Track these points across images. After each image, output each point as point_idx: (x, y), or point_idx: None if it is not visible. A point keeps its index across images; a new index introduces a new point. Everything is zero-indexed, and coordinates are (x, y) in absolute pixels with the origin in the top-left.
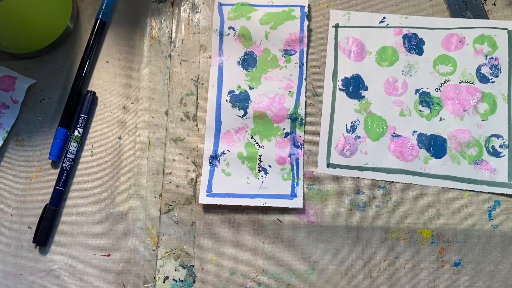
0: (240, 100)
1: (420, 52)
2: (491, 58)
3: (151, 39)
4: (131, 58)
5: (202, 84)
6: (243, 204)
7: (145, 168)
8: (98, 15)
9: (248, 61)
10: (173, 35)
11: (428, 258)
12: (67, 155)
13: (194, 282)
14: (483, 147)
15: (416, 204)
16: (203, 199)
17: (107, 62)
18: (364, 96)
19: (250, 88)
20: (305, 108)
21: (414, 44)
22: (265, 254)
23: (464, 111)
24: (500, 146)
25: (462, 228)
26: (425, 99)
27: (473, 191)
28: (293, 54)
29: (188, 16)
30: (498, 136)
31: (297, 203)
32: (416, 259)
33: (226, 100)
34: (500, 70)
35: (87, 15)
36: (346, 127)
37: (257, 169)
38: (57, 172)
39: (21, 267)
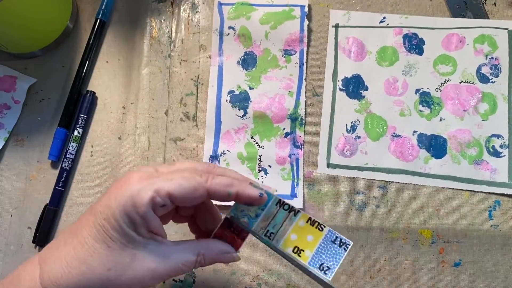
0: (240, 100)
1: (420, 52)
2: (491, 58)
3: (151, 39)
4: (131, 58)
5: (202, 84)
6: None
7: None
8: (97, 15)
9: (248, 61)
10: (173, 35)
11: (428, 258)
12: (67, 155)
13: (194, 282)
14: (483, 147)
15: (416, 204)
16: None
17: (107, 62)
18: (364, 96)
19: (250, 88)
20: (305, 108)
21: (415, 44)
22: (265, 254)
23: (465, 111)
24: (500, 146)
25: (462, 228)
26: (425, 99)
27: (473, 191)
28: (293, 54)
29: (188, 16)
30: (498, 136)
31: (297, 203)
32: (416, 259)
33: (226, 100)
34: (500, 70)
35: (86, 15)
36: (346, 127)
37: (257, 169)
38: (56, 172)
39: None
